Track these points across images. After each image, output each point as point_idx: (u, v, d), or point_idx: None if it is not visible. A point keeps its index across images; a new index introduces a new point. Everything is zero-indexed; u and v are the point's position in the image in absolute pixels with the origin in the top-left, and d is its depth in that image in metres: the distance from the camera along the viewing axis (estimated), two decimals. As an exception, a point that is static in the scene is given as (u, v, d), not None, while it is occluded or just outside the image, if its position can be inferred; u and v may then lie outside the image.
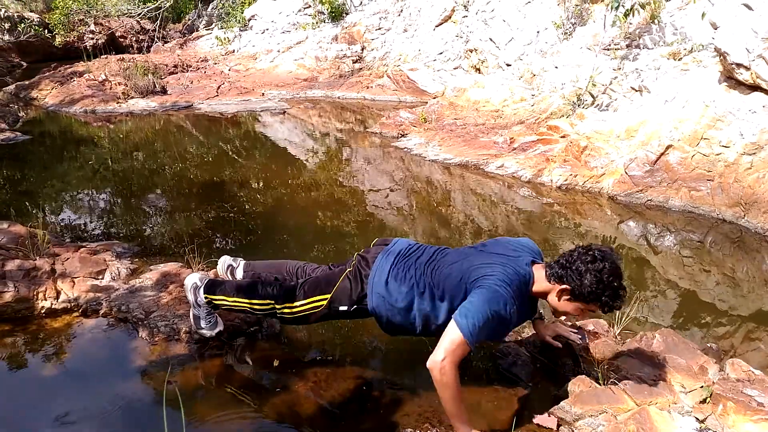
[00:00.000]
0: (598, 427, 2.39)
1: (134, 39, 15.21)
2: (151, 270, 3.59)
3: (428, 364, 2.19)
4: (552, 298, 2.37)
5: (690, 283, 4.04)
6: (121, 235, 4.60)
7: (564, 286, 2.29)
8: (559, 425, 2.41)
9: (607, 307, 2.29)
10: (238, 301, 2.79)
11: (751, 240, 4.51)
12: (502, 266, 2.31)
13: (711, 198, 4.84)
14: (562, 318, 2.54)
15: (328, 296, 2.59)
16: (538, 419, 2.45)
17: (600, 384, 2.57)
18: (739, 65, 4.99)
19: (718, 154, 4.94)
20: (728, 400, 2.41)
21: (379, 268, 2.51)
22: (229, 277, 3.15)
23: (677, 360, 2.71)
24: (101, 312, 3.18)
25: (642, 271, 4.18)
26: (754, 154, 4.76)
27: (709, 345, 3.02)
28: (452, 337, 2.19)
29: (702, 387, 2.52)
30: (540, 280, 2.37)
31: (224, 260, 3.23)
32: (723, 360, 2.79)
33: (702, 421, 2.39)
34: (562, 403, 2.52)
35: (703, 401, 2.46)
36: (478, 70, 9.18)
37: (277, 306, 2.68)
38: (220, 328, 2.93)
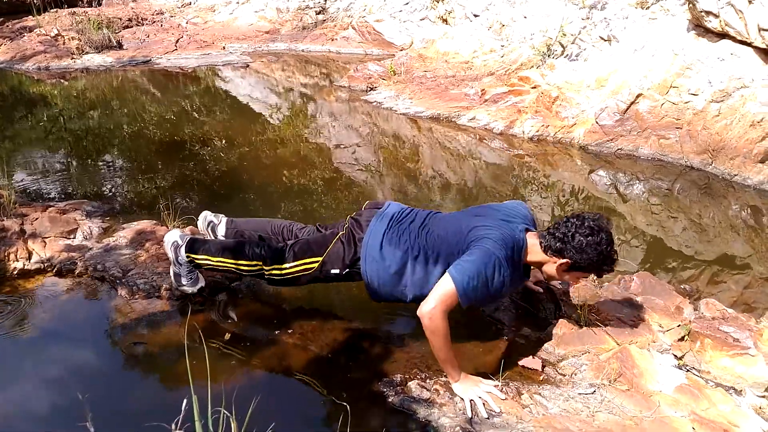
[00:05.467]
0: (582, 366, 2.46)
1: (84, -9, 14.48)
2: (124, 228, 3.50)
3: (419, 312, 2.22)
4: (549, 268, 2.39)
5: (659, 230, 4.14)
6: (88, 194, 4.46)
7: (565, 261, 2.31)
8: (543, 366, 2.47)
9: (604, 274, 2.41)
10: (223, 261, 2.74)
11: (718, 186, 4.63)
12: (498, 229, 2.32)
13: (680, 146, 4.93)
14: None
15: (320, 259, 2.58)
16: (524, 362, 2.50)
17: (582, 326, 2.63)
18: (708, 13, 5.02)
19: (686, 102, 5.01)
20: (706, 337, 2.50)
21: (373, 232, 2.50)
22: (210, 234, 3.09)
23: (655, 301, 2.79)
24: (76, 271, 3.09)
25: (614, 219, 4.25)
26: (722, 101, 4.83)
27: (682, 287, 3.12)
28: (445, 287, 2.21)
29: (680, 325, 2.60)
30: (535, 251, 2.38)
31: (205, 216, 3.14)
32: (697, 300, 2.89)
33: (680, 358, 2.48)
34: (545, 345, 2.58)
35: (681, 339, 2.55)
36: (445, 20, 9.03)
37: (266, 267, 2.66)
38: (201, 284, 2.89)
